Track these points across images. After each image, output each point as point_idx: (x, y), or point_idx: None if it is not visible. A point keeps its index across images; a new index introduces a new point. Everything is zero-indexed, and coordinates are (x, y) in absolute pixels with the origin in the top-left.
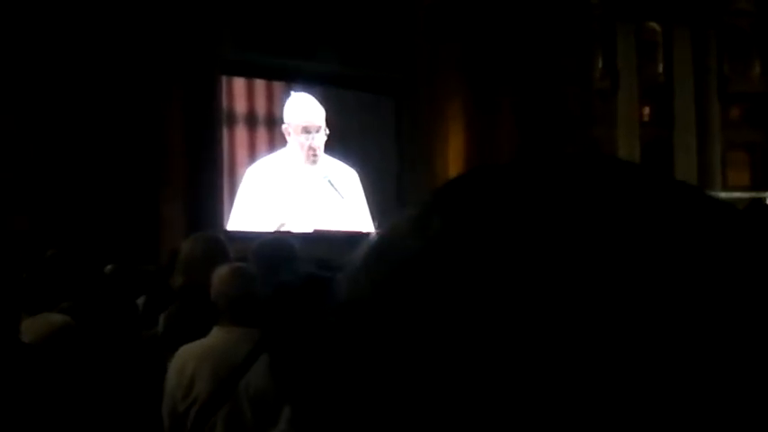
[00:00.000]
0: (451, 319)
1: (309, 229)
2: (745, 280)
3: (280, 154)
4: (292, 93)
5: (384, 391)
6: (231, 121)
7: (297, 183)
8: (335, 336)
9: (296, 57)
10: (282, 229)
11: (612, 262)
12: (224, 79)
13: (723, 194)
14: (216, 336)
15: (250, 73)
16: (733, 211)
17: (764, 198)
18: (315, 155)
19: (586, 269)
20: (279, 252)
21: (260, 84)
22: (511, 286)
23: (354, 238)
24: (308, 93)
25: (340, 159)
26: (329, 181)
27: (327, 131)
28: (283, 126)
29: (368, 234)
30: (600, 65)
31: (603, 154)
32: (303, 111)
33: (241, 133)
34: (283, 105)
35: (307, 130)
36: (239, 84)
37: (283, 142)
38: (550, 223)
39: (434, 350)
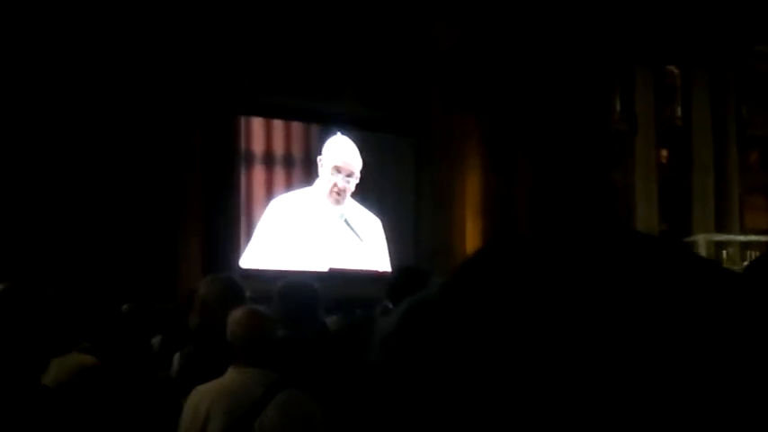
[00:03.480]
0: (475, 387)
1: (325, 268)
2: (739, 347)
3: (305, 191)
4: (338, 133)
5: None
6: (249, 160)
7: (316, 221)
8: (375, 392)
9: (315, 98)
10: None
11: (620, 331)
12: (242, 119)
13: (741, 237)
14: (231, 376)
15: (269, 113)
16: (736, 280)
17: None
18: (339, 195)
19: (594, 337)
20: (302, 294)
21: (278, 124)
22: (526, 352)
23: (369, 278)
24: (336, 133)
25: (360, 201)
26: (346, 221)
27: (358, 178)
28: (318, 158)
29: (383, 273)
30: (618, 107)
31: (620, 228)
32: (340, 151)
33: (258, 173)
34: (301, 146)
35: (338, 170)
36: (257, 123)
37: (301, 182)
38: (566, 297)
39: (459, 412)
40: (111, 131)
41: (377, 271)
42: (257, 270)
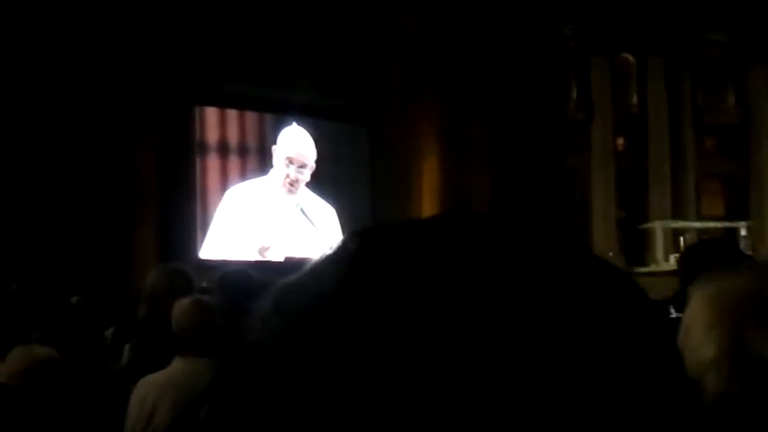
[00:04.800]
0: (344, 364)
1: (281, 258)
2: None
3: (260, 180)
4: (294, 123)
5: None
6: (203, 150)
7: (272, 210)
8: (245, 375)
9: (270, 87)
10: (266, 254)
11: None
12: (197, 109)
13: (697, 224)
14: (176, 366)
15: (223, 103)
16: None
17: (738, 228)
18: (292, 185)
19: (463, 320)
20: (241, 284)
21: (233, 113)
22: (404, 338)
23: None
24: (290, 123)
25: (315, 190)
26: (301, 209)
27: (313, 168)
28: (273, 147)
29: None
30: (574, 95)
31: (495, 215)
32: (294, 142)
33: (213, 162)
34: (255, 135)
35: (291, 161)
36: (212, 113)
37: (255, 171)
38: (435, 280)
39: (330, 395)
40: (65, 121)
41: None
42: (213, 261)
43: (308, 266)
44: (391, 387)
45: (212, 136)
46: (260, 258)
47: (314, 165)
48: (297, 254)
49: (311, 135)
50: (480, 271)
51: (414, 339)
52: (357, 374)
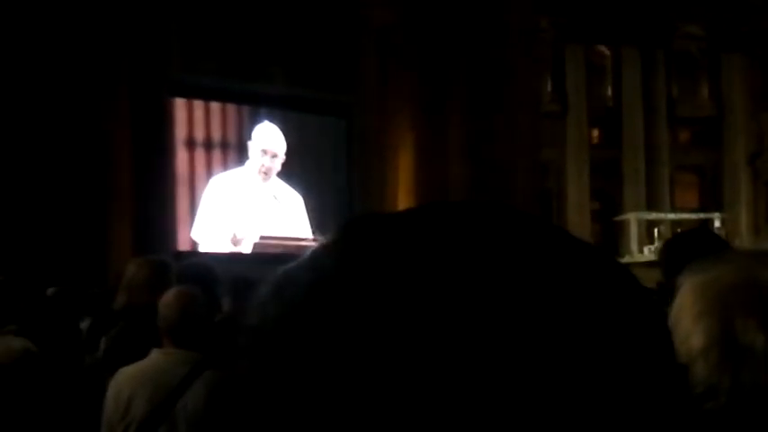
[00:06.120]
0: (339, 347)
1: (256, 237)
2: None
3: (239, 170)
4: (265, 121)
5: (286, 412)
6: (181, 143)
7: (249, 197)
8: (246, 358)
9: (246, 79)
10: (237, 239)
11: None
12: (179, 102)
13: (671, 215)
14: (154, 358)
15: (199, 95)
16: (591, 257)
17: (712, 219)
18: (266, 173)
19: (452, 305)
20: (200, 276)
21: (212, 106)
22: (392, 323)
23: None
24: (260, 114)
25: (289, 180)
26: (274, 197)
27: (284, 159)
28: (249, 142)
29: (308, 242)
30: (549, 88)
31: (493, 204)
32: (265, 136)
33: (190, 155)
34: (236, 129)
35: (264, 153)
36: (191, 107)
37: (232, 163)
38: (425, 268)
39: (326, 375)
40: (39, 113)
41: (303, 240)
42: (190, 252)
43: (306, 254)
44: (384, 373)
45: (191, 129)
46: (236, 249)
47: (284, 156)
48: (270, 233)
49: (287, 127)
50: (473, 260)
51: (406, 327)
52: (351, 360)
